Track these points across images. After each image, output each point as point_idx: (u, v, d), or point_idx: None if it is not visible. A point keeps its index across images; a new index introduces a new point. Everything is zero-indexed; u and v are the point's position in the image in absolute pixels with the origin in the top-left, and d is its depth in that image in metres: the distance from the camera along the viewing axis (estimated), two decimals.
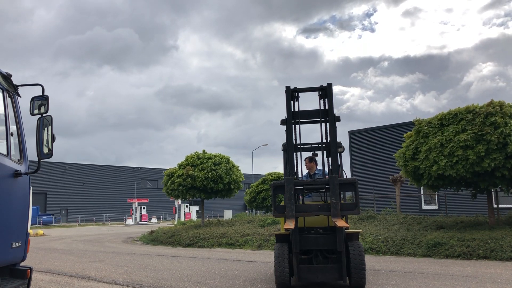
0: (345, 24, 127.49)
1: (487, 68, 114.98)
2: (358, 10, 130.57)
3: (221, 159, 20.82)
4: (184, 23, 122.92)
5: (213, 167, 20.21)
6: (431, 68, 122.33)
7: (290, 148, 7.36)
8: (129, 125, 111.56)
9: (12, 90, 4.60)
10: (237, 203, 59.43)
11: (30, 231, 4.83)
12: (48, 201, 56.58)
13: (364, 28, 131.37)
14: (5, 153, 4.25)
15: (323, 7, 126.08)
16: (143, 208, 50.30)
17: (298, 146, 7.71)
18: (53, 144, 4.61)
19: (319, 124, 7.61)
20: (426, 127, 12.71)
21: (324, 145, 7.56)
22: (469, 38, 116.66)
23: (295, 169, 7.51)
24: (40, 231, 29.71)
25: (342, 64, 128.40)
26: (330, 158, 7.40)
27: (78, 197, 58.67)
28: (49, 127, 4.59)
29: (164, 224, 39.11)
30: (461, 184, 12.71)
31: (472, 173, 11.62)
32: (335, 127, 7.32)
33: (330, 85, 7.43)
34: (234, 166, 21.18)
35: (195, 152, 21.49)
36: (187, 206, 48.22)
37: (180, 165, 21.01)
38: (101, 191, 60.93)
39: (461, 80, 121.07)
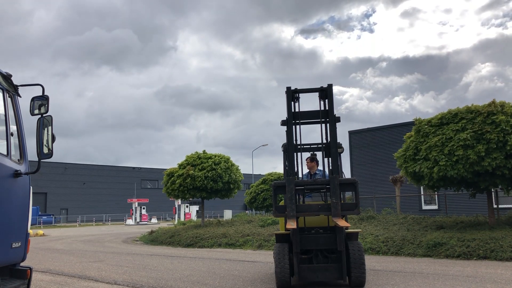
0: (344, 25, 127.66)
1: (486, 68, 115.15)
2: (356, 10, 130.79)
3: (221, 158, 20.83)
4: (183, 24, 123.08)
5: (213, 167, 20.22)
6: (429, 69, 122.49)
7: (291, 149, 7.42)
8: (128, 125, 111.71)
9: (12, 90, 4.60)
10: (237, 203, 59.43)
11: (30, 231, 4.83)
12: (48, 201, 56.59)
13: (363, 29, 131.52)
14: (5, 153, 4.25)
15: (321, 8, 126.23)
16: (143, 208, 50.30)
17: (299, 147, 7.76)
18: (53, 144, 4.61)
19: (319, 124, 7.66)
20: (426, 126, 12.71)
21: (324, 145, 7.61)
22: (468, 39, 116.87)
23: (296, 169, 7.54)
24: (40, 231, 29.71)
25: (341, 64, 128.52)
26: (330, 159, 7.45)
27: (78, 197, 58.67)
28: (49, 127, 4.59)
29: (164, 224, 39.12)
30: (461, 184, 12.71)
31: (472, 173, 11.63)
32: (336, 128, 7.38)
33: (330, 86, 7.49)
34: (233, 165, 21.19)
35: (195, 152, 21.51)
36: (187, 206, 48.23)
37: (180, 165, 21.02)
38: (101, 191, 60.93)
39: (460, 80, 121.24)
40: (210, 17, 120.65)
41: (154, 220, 52.27)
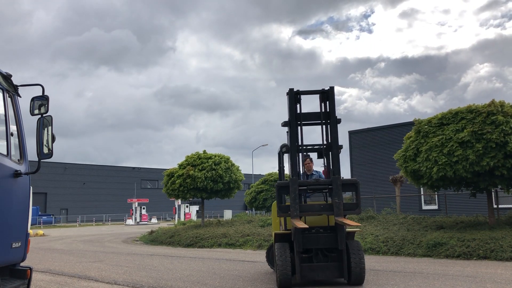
0: (343, 25, 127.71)
1: (484, 69, 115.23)
2: (355, 11, 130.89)
3: (221, 159, 20.82)
4: (182, 24, 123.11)
5: (213, 167, 20.21)
6: (428, 69, 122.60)
7: (294, 150, 7.54)
8: (128, 125, 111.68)
9: (12, 90, 4.60)
10: (237, 203, 59.42)
11: (30, 231, 4.83)
12: (48, 201, 56.58)
13: (361, 29, 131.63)
14: (5, 153, 4.24)
15: (320, 9, 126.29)
16: (143, 208, 50.29)
17: (300, 148, 7.87)
18: (53, 144, 4.61)
19: (320, 125, 7.77)
20: (426, 127, 12.71)
21: (325, 146, 7.73)
22: (466, 39, 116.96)
23: (297, 170, 7.66)
24: (40, 231, 29.71)
25: (340, 65, 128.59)
26: (330, 159, 7.63)
27: (78, 197, 58.66)
28: (49, 127, 4.59)
29: (164, 224, 39.10)
30: (461, 184, 12.71)
31: (472, 172, 11.62)
32: (337, 129, 7.55)
33: (332, 89, 7.67)
34: (233, 165, 21.18)
35: (195, 152, 21.50)
36: (187, 206, 48.23)
37: (180, 165, 21.01)
38: (101, 191, 60.92)
39: (458, 81, 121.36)
40: (210, 18, 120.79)
41: (154, 220, 52.26)
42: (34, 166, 4.55)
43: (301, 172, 8.30)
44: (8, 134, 4.35)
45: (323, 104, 7.80)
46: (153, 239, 21.03)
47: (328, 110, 7.65)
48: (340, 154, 7.83)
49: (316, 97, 7.92)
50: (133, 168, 66.48)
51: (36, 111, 4.58)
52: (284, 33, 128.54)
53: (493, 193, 13.69)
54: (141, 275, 9.46)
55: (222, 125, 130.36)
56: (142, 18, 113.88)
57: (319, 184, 7.44)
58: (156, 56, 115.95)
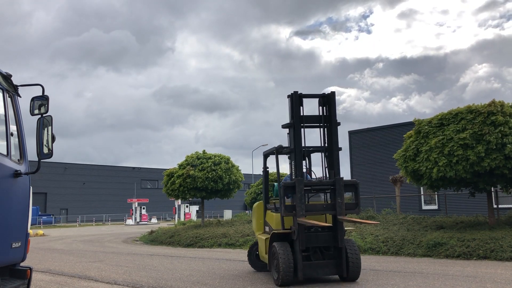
0: (342, 26, 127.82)
1: (483, 69, 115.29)
2: (354, 12, 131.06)
3: (221, 159, 20.82)
4: (182, 25, 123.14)
5: (212, 167, 20.21)
6: (427, 69, 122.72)
7: (298, 151, 7.79)
8: (127, 125, 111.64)
9: (12, 90, 4.59)
10: (237, 203, 59.43)
11: (30, 231, 4.83)
12: (48, 201, 56.55)
13: (360, 30, 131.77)
14: (5, 153, 4.24)
15: (319, 9, 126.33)
16: (143, 208, 50.26)
17: (304, 149, 8.14)
18: (53, 144, 4.61)
19: (320, 128, 8.09)
20: (426, 127, 12.71)
21: (325, 148, 8.06)
22: (465, 40, 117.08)
23: (301, 171, 7.89)
24: (40, 231, 29.71)
25: (339, 65, 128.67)
26: (329, 160, 7.96)
27: (78, 197, 58.63)
28: (49, 127, 4.58)
29: (164, 224, 39.09)
30: (461, 184, 12.71)
31: (472, 173, 11.62)
32: (337, 132, 7.94)
33: (333, 94, 8.05)
34: (233, 166, 21.18)
35: (195, 152, 21.49)
36: (187, 206, 48.20)
37: (180, 165, 21.01)
38: (101, 191, 60.89)
39: (457, 81, 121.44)
40: (209, 18, 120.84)
41: (154, 220, 52.24)
42: (34, 166, 4.55)
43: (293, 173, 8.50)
44: (8, 134, 4.34)
45: (323, 107, 8.09)
46: (153, 239, 21.02)
47: (329, 114, 7.96)
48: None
49: (312, 99, 8.21)
50: (133, 168, 66.46)
51: (36, 111, 4.58)
52: (283, 33, 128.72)
53: (493, 193, 13.69)
54: (141, 275, 9.46)
55: (221, 125, 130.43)
56: (142, 19, 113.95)
57: (323, 185, 7.75)
58: (155, 57, 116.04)
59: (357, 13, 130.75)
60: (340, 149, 7.98)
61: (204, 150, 21.58)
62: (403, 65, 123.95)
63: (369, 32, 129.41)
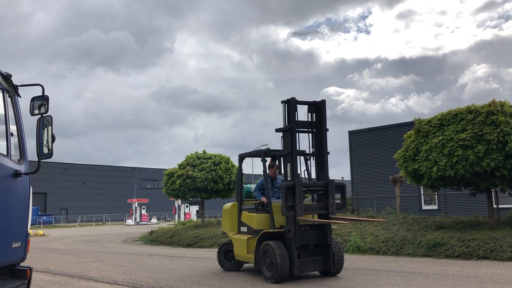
0: (341, 26, 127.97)
1: (481, 69, 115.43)
2: (352, 12, 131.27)
3: (221, 159, 20.81)
4: (181, 25, 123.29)
5: (212, 167, 20.20)
6: (425, 70, 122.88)
7: (295, 154, 8.30)
8: (126, 125, 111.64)
9: (12, 90, 4.59)
10: None
11: (30, 231, 4.83)
12: (48, 201, 56.54)
13: (359, 30, 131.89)
14: (5, 153, 4.24)
15: (318, 10, 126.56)
16: (143, 208, 50.26)
17: (300, 153, 8.68)
18: (53, 144, 4.61)
19: (310, 133, 8.72)
20: (426, 127, 12.71)
21: (314, 152, 8.71)
22: (464, 40, 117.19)
23: (298, 172, 8.36)
24: (40, 231, 29.71)
25: (338, 65, 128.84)
26: (318, 163, 8.66)
27: (78, 197, 58.63)
28: (49, 127, 4.58)
29: (164, 224, 39.09)
30: (461, 184, 12.71)
31: (472, 173, 11.62)
32: (326, 138, 8.62)
33: (324, 102, 8.69)
34: (233, 166, 21.18)
35: (195, 152, 21.49)
36: (187, 206, 48.16)
37: (180, 165, 21.00)
38: (101, 191, 60.89)
39: (456, 81, 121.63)
40: (208, 19, 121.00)
41: (154, 220, 52.23)
42: (34, 166, 4.54)
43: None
44: (8, 134, 4.34)
45: (313, 113, 8.71)
46: (153, 239, 21.02)
47: (320, 120, 8.62)
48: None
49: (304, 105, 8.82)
50: (133, 168, 66.44)
51: (36, 111, 4.58)
52: (282, 34, 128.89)
53: (493, 193, 13.69)
54: (141, 275, 9.46)
55: (221, 125, 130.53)
56: (141, 20, 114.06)
57: (317, 186, 8.38)
58: (154, 57, 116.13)
59: (355, 14, 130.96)
60: (328, 153, 8.63)
61: (204, 150, 21.58)
62: (401, 66, 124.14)
63: (368, 32, 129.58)
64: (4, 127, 4.34)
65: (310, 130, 8.67)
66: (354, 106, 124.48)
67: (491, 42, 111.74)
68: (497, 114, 11.43)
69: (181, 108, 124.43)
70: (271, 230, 8.31)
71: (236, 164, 21.63)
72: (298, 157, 8.43)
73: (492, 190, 13.18)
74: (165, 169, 22.21)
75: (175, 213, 44.86)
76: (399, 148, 13.82)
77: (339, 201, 8.63)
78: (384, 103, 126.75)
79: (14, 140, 4.50)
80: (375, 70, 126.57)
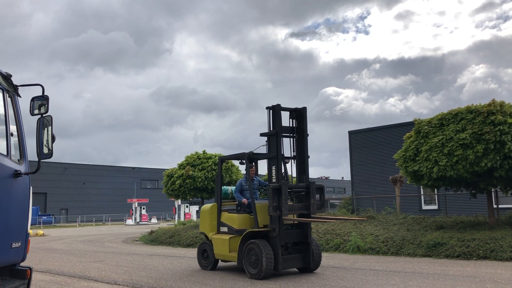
0: (339, 27, 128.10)
1: (480, 70, 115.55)
2: (351, 13, 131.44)
3: None
4: (180, 26, 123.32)
5: (213, 167, 20.20)
6: (424, 70, 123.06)
7: (280, 157, 8.79)
8: (126, 126, 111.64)
9: (12, 90, 4.59)
10: None
11: (30, 231, 4.83)
12: (48, 201, 56.51)
13: (358, 31, 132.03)
14: (5, 153, 4.24)
15: (317, 11, 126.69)
16: (143, 208, 50.22)
17: (285, 157, 9.11)
18: (53, 144, 4.60)
19: (292, 138, 9.22)
20: (426, 127, 12.71)
21: (295, 156, 9.24)
22: (462, 41, 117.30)
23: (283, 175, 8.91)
24: (40, 231, 29.69)
25: (337, 66, 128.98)
26: (300, 166, 9.14)
27: (78, 197, 58.59)
28: (49, 127, 4.58)
29: (164, 224, 39.07)
30: (461, 184, 12.70)
31: (471, 173, 11.62)
32: (307, 142, 9.15)
33: (305, 108, 9.21)
34: (233, 166, 21.18)
35: (195, 152, 21.49)
36: (187, 206, 48.15)
37: (180, 165, 21.00)
38: (101, 191, 60.86)
39: (454, 81, 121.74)
40: (207, 20, 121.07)
41: (154, 220, 52.18)
42: (34, 166, 4.54)
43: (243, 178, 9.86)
44: (8, 134, 4.34)
45: (294, 119, 9.22)
46: (153, 239, 21.01)
47: (301, 126, 9.14)
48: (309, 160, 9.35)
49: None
50: (133, 168, 66.40)
51: (36, 111, 4.58)
52: (281, 34, 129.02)
53: (493, 193, 13.68)
54: (141, 275, 9.46)
55: (220, 125, 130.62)
56: (140, 20, 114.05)
57: (300, 187, 8.91)
58: (153, 58, 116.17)
59: (354, 14, 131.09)
60: (309, 157, 9.14)
61: (204, 151, 21.58)
62: (400, 66, 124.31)
63: (366, 33, 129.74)
64: (4, 127, 4.34)
65: (292, 135, 9.19)
66: (353, 106, 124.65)
67: (490, 42, 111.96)
68: (496, 114, 11.44)
69: (181, 108, 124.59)
70: (255, 229, 8.69)
71: (236, 164, 21.65)
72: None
73: (492, 190, 13.17)
74: (165, 169, 22.20)
75: (175, 213, 44.86)
76: (399, 148, 13.82)
77: (318, 201, 9.15)
78: (382, 103, 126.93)
79: (14, 140, 4.49)
80: (373, 70, 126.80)
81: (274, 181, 8.69)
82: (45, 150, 4.51)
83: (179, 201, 41.47)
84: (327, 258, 11.47)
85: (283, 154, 8.96)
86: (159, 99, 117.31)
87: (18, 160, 4.54)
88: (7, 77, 4.54)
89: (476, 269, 8.96)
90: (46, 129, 4.54)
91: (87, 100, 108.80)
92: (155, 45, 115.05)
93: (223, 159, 10.64)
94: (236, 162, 18.85)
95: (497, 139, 11.11)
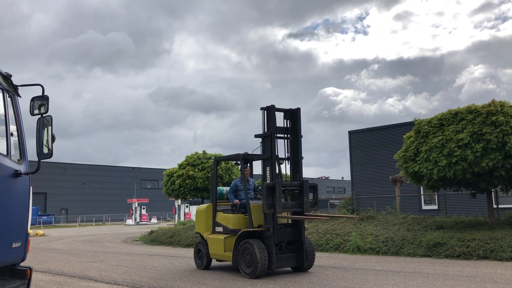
0: (338, 27, 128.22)
1: (479, 70, 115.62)
2: (350, 14, 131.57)
3: None
4: (179, 26, 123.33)
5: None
6: (423, 70, 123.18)
7: (274, 158, 8.87)
8: (125, 126, 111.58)
9: (12, 90, 4.59)
10: None
11: (30, 231, 4.83)
12: (48, 201, 56.51)
13: (357, 31, 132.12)
14: (5, 153, 4.24)
15: (316, 11, 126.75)
16: (143, 208, 50.22)
17: (279, 157, 9.19)
18: (53, 144, 4.60)
19: (286, 139, 9.30)
20: (426, 127, 12.70)
21: (289, 156, 9.34)
22: (461, 41, 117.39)
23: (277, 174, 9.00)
24: (40, 231, 29.69)
25: (336, 66, 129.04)
26: (293, 166, 9.24)
27: (78, 197, 58.60)
28: (49, 127, 4.58)
29: (164, 224, 39.06)
30: (461, 185, 12.70)
31: (471, 173, 11.62)
32: (301, 143, 9.23)
33: (298, 109, 9.28)
34: (233, 166, 21.19)
35: (195, 152, 21.50)
36: (187, 206, 48.15)
37: (180, 165, 21.01)
38: (101, 191, 60.86)
39: (453, 82, 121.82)
40: (207, 20, 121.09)
41: (154, 220, 52.18)
42: (34, 166, 4.54)
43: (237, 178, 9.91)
44: (8, 134, 4.34)
45: (288, 120, 9.27)
46: (153, 239, 21.01)
47: (295, 127, 9.20)
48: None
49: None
50: (133, 168, 66.40)
51: (36, 111, 4.58)
52: (280, 35, 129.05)
53: (493, 193, 13.68)
54: (141, 275, 9.46)
55: (219, 125, 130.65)
56: (139, 21, 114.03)
57: (294, 186, 9.00)
58: (153, 58, 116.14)
59: (353, 15, 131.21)
60: (302, 158, 9.23)
61: (204, 151, 21.59)
62: (399, 66, 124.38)
63: (365, 33, 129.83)
64: (4, 127, 4.34)
65: (286, 136, 9.28)
66: (352, 106, 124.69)
67: (488, 43, 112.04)
68: (497, 114, 11.43)
69: (180, 109, 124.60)
70: (250, 229, 8.77)
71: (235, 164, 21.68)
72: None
73: (492, 190, 13.17)
74: (164, 169, 22.21)
75: (175, 213, 44.85)
76: (399, 148, 13.82)
77: (312, 200, 9.26)
78: (381, 104, 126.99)
79: (14, 140, 4.49)
80: (372, 70, 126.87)
81: (269, 181, 8.78)
82: (45, 150, 4.51)
83: (179, 201, 41.46)
84: (327, 258, 11.48)
85: (277, 155, 9.02)
86: (158, 99, 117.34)
87: (18, 160, 4.54)
88: (7, 77, 4.54)
89: (476, 269, 8.96)
90: (46, 129, 4.54)
91: (87, 100, 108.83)
92: (154, 45, 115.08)
93: (219, 160, 10.82)
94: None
95: (499, 140, 11.10)
